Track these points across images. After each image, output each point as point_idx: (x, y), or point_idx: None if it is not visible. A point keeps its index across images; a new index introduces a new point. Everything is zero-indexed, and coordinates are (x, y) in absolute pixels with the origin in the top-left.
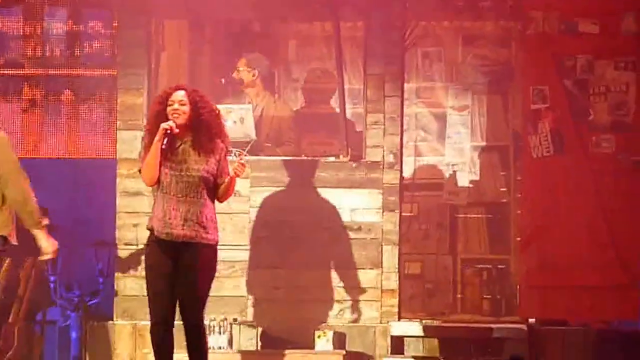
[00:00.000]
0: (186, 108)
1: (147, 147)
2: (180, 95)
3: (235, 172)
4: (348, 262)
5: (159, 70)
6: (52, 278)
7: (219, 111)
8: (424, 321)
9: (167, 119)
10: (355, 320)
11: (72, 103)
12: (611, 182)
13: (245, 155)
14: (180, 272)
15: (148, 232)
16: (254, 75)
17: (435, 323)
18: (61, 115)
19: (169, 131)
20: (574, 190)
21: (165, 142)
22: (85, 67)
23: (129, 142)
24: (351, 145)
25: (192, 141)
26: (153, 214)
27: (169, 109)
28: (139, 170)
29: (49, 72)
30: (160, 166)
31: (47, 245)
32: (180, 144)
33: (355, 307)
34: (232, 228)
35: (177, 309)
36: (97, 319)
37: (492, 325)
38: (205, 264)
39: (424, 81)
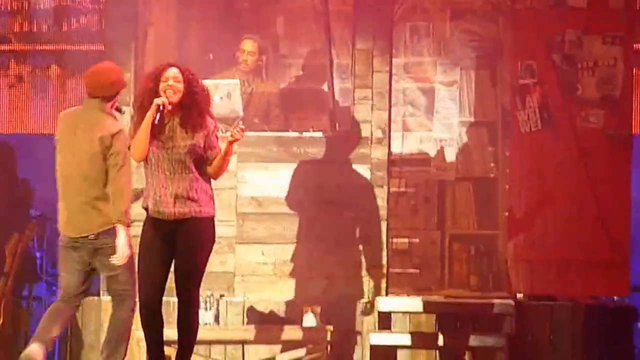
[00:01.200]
0: (180, 85)
1: (137, 124)
2: (174, 72)
3: (232, 136)
4: (336, 238)
5: (147, 45)
6: (38, 254)
7: (208, 90)
8: (413, 297)
9: (159, 96)
10: (343, 296)
11: (60, 78)
12: (600, 156)
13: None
14: (177, 249)
15: (138, 209)
16: (260, 62)
17: (423, 298)
18: (48, 91)
19: (162, 107)
20: (563, 165)
21: (157, 117)
22: (72, 42)
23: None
24: (339, 120)
25: (180, 119)
26: (146, 193)
27: (162, 85)
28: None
29: (36, 47)
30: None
31: (121, 245)
32: (169, 122)
33: (342, 283)
34: (219, 204)
35: (169, 286)
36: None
37: (480, 301)
38: (201, 238)
39: (413, 56)
